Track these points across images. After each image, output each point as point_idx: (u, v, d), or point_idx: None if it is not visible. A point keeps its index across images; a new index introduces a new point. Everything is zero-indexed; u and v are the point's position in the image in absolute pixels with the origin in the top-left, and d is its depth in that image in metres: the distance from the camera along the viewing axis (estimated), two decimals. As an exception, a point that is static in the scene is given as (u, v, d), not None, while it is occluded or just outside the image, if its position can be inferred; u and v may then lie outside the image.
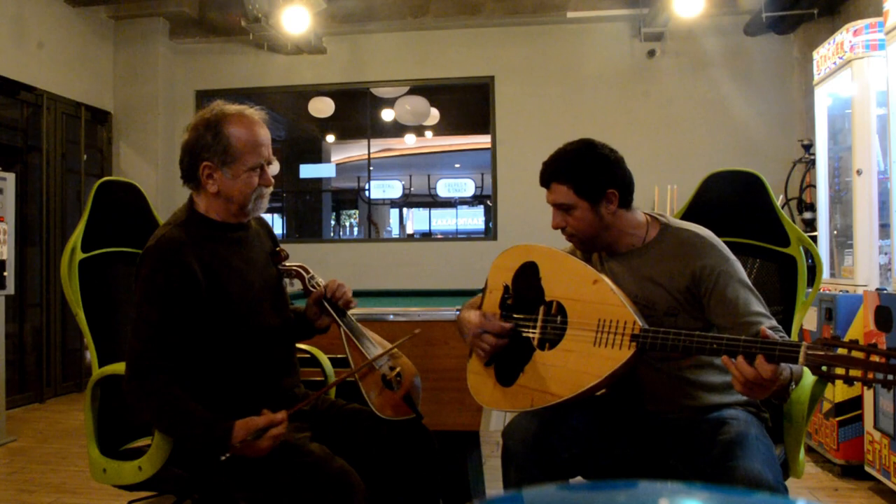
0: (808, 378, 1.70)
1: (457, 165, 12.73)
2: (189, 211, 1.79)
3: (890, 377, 1.32)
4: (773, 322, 1.64)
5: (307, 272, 1.94)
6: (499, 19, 6.06)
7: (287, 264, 1.94)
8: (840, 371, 1.36)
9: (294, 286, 1.99)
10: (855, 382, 1.36)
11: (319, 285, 1.92)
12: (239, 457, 1.61)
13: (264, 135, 1.78)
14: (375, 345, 1.90)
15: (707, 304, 1.67)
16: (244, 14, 5.57)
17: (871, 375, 1.33)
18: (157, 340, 1.64)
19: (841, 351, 1.37)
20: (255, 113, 1.79)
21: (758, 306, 1.65)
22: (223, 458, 1.58)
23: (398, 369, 1.89)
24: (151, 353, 1.64)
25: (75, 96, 5.75)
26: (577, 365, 1.62)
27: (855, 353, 1.35)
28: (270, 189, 1.82)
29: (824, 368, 1.37)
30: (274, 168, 1.86)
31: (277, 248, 1.94)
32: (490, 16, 6.02)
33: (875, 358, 1.34)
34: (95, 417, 1.88)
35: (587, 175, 1.74)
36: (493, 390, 1.78)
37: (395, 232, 14.76)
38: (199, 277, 1.68)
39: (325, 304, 1.89)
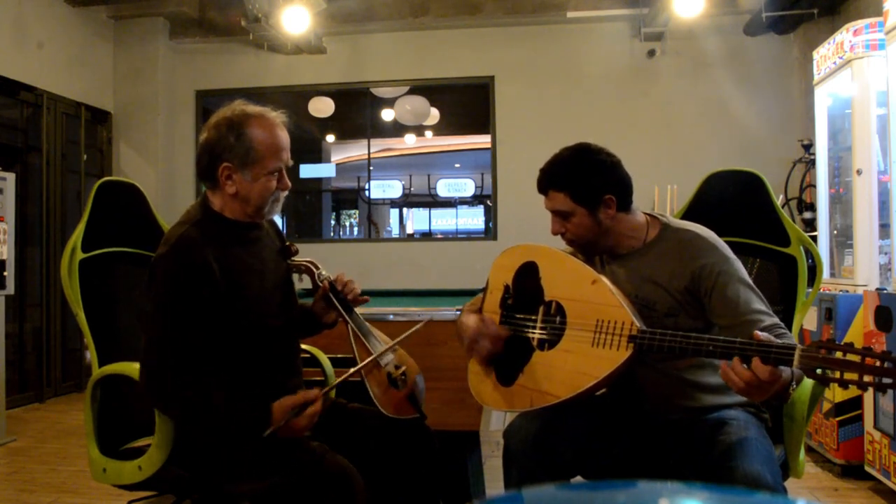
0: (808, 379, 1.70)
1: (457, 165, 12.73)
2: (204, 209, 1.79)
3: (886, 381, 1.32)
4: (775, 319, 1.63)
5: (316, 268, 1.94)
6: (499, 19, 6.06)
7: (297, 259, 1.94)
8: (835, 374, 1.36)
9: (302, 281, 1.99)
10: (850, 386, 1.36)
11: (328, 281, 1.92)
12: (240, 455, 1.61)
13: (285, 139, 1.78)
14: (382, 343, 1.90)
15: (707, 303, 1.67)
16: (244, 14, 5.57)
17: (866, 379, 1.33)
18: (183, 335, 1.65)
19: (837, 354, 1.36)
20: (277, 116, 1.79)
21: (759, 304, 1.64)
22: (265, 434, 1.60)
23: (403, 368, 1.89)
24: (179, 348, 1.64)
25: (75, 96, 5.75)
26: (575, 365, 1.62)
27: (850, 356, 1.35)
28: (286, 193, 1.82)
29: (819, 371, 1.37)
30: None
31: (287, 244, 1.94)
32: (490, 16, 6.02)
33: (871, 361, 1.33)
34: (95, 417, 1.88)
35: (584, 182, 1.73)
36: (493, 390, 1.78)
37: (395, 232, 14.75)
38: (217, 277, 1.68)
39: (333, 297, 1.88)
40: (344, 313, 1.89)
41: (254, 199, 1.76)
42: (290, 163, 1.81)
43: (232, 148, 1.72)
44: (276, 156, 1.75)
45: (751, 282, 1.69)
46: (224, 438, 1.68)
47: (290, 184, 1.81)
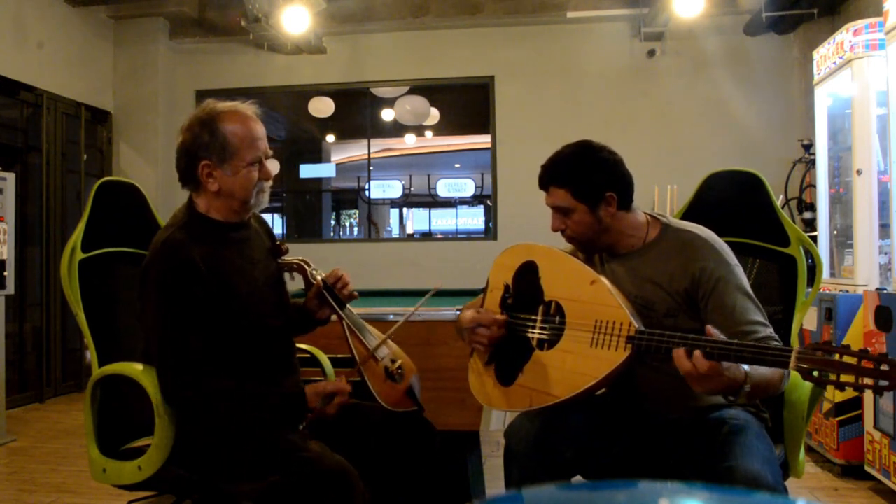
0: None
1: (457, 165, 12.73)
2: (189, 212, 1.79)
3: (882, 383, 1.32)
4: (769, 331, 1.63)
5: (308, 265, 1.94)
6: (499, 19, 6.06)
7: (287, 258, 1.94)
8: (831, 377, 1.36)
9: (294, 280, 1.99)
10: (846, 388, 1.36)
11: (320, 278, 1.92)
12: (239, 455, 1.61)
13: (259, 129, 1.78)
14: (376, 338, 1.91)
15: (704, 307, 1.67)
16: (244, 14, 5.57)
17: (862, 381, 1.33)
18: (186, 341, 1.65)
19: (834, 356, 1.36)
20: (247, 108, 1.79)
21: (755, 315, 1.64)
22: (308, 416, 1.68)
23: (399, 362, 1.90)
24: (187, 355, 1.64)
25: (75, 96, 5.75)
26: (574, 366, 1.62)
27: (846, 358, 1.35)
28: (270, 183, 1.81)
29: (815, 374, 1.37)
30: (273, 167, 1.86)
31: (277, 243, 1.94)
32: (490, 16, 6.02)
33: (867, 364, 1.33)
34: (95, 417, 1.88)
35: (585, 178, 1.73)
36: (493, 390, 1.78)
37: (395, 232, 14.76)
38: (206, 278, 1.68)
39: (326, 294, 1.89)
40: (338, 309, 1.89)
41: (238, 193, 1.76)
42: (270, 152, 1.81)
43: (208, 145, 1.72)
44: (252, 146, 1.75)
45: (749, 290, 1.68)
46: (259, 428, 1.69)
47: (272, 173, 1.81)
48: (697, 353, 1.42)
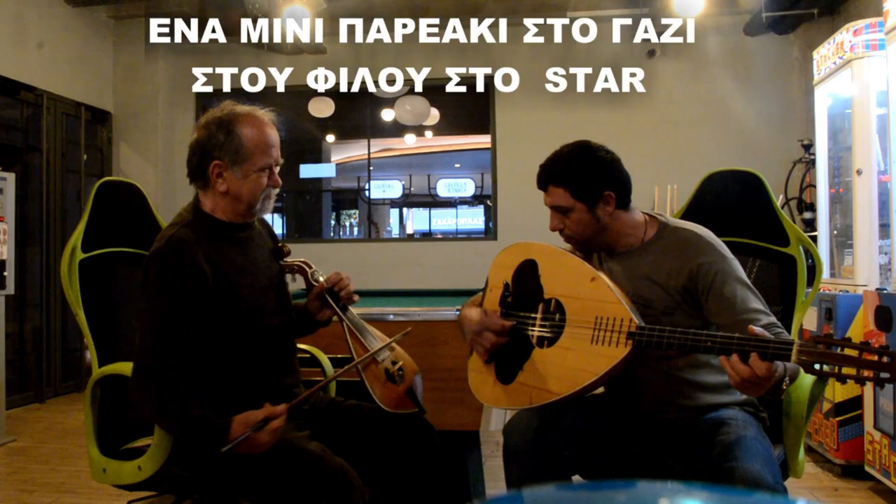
0: (808, 378, 1.70)
1: (457, 165, 12.73)
2: (195, 211, 1.80)
3: (884, 375, 1.32)
4: (772, 319, 1.64)
5: (310, 267, 1.95)
6: (499, 19, 6.05)
7: (289, 260, 1.95)
8: (833, 369, 1.36)
9: (296, 282, 1.99)
10: (848, 380, 1.36)
11: (322, 280, 1.93)
12: (238, 455, 1.61)
13: (274, 136, 1.79)
14: (377, 339, 1.91)
15: (705, 302, 1.68)
16: (244, 14, 5.57)
17: (864, 373, 1.34)
18: (168, 339, 1.65)
19: (836, 349, 1.37)
20: (265, 114, 1.80)
21: (756, 303, 1.65)
22: (222, 450, 1.58)
23: (400, 363, 1.90)
24: (162, 351, 1.64)
25: (75, 96, 5.75)
26: (574, 362, 1.62)
27: (848, 351, 1.36)
28: (277, 190, 1.83)
29: (817, 366, 1.37)
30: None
31: (280, 244, 1.95)
32: (490, 16, 6.02)
33: (869, 356, 1.34)
34: (95, 417, 1.88)
35: (584, 177, 1.74)
36: (493, 388, 1.78)
37: (395, 232, 14.75)
38: (209, 277, 1.69)
39: (327, 296, 1.90)
40: (339, 311, 1.89)
41: (245, 197, 1.76)
42: (281, 160, 1.82)
43: (222, 145, 1.73)
44: (266, 153, 1.76)
45: (748, 281, 1.69)
46: (187, 446, 1.68)
47: (280, 181, 1.82)
48: (754, 355, 1.40)
